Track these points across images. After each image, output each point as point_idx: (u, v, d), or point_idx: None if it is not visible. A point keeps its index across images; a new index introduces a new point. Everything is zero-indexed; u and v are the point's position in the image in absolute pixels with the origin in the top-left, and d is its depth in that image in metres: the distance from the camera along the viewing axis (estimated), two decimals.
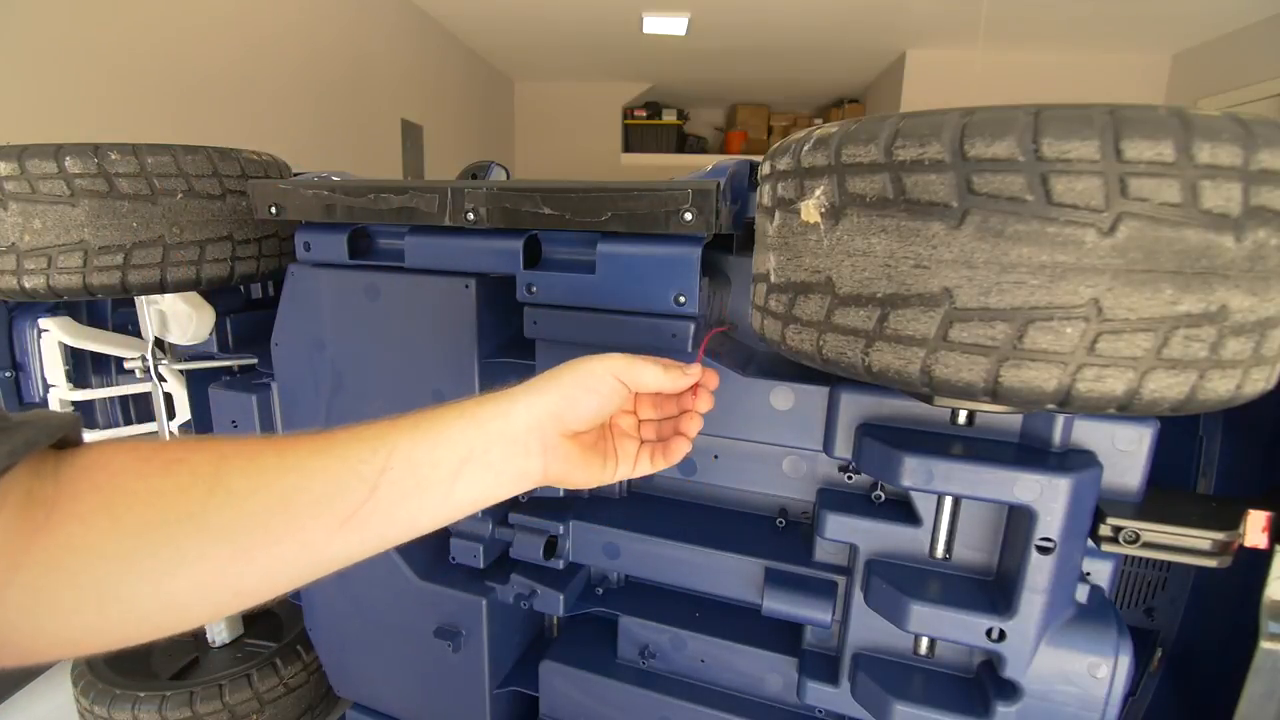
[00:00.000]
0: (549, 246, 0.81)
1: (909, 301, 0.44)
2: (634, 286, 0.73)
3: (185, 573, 0.33)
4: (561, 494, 0.89)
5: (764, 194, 0.57)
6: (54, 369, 1.10)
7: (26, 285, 0.82)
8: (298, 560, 0.36)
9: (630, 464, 0.53)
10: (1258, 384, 0.43)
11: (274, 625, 1.30)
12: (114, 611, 0.32)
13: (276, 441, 0.37)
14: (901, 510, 0.72)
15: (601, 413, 0.48)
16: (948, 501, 0.67)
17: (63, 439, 0.33)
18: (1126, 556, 0.64)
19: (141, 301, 1.05)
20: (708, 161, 0.88)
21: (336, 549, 0.37)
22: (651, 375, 0.50)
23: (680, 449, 0.55)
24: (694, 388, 0.54)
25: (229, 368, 1.15)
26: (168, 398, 1.11)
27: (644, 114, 6.82)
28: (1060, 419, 0.61)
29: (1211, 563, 0.59)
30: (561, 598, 0.87)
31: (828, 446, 0.73)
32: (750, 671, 0.85)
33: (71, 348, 1.11)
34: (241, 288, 1.25)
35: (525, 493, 0.48)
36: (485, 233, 0.79)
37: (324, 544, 0.37)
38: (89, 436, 1.14)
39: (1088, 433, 0.63)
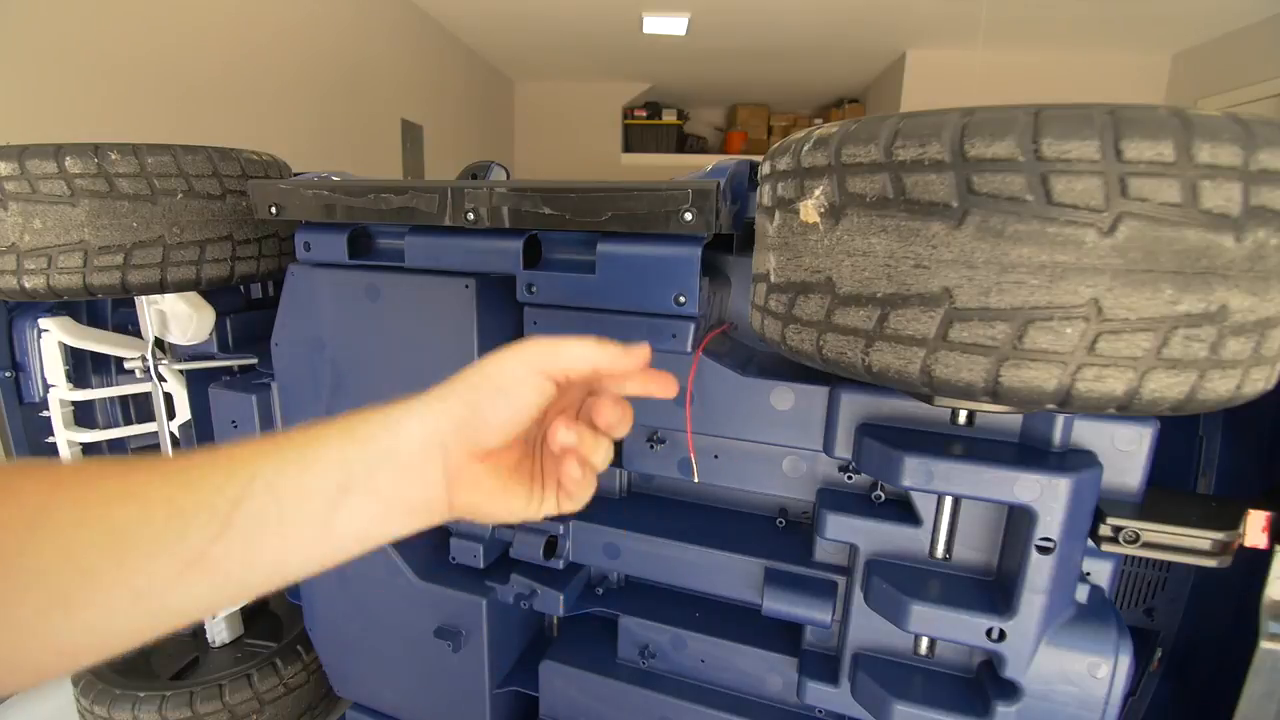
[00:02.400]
0: (549, 246, 0.81)
1: (909, 301, 0.44)
2: (634, 286, 0.73)
3: (3, 618, 0.27)
4: None
5: (764, 194, 0.57)
6: (54, 369, 1.10)
7: (26, 285, 0.82)
8: (131, 611, 0.30)
9: (565, 494, 0.43)
10: (1258, 384, 0.43)
11: (274, 625, 1.30)
12: None
13: (127, 465, 0.32)
14: (901, 510, 0.72)
15: (519, 419, 0.37)
16: (948, 501, 0.67)
17: None
18: (1126, 556, 0.64)
19: (141, 301, 1.05)
20: (708, 161, 0.88)
21: (180, 597, 0.31)
22: (581, 352, 0.39)
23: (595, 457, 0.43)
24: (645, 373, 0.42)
25: (229, 368, 1.15)
26: (168, 398, 1.11)
27: (644, 114, 6.81)
28: (1060, 419, 0.61)
29: (1211, 563, 0.59)
30: (561, 598, 0.87)
31: (828, 446, 0.73)
32: (750, 671, 0.85)
33: (71, 348, 1.11)
34: (241, 288, 1.25)
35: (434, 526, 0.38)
36: (485, 233, 0.79)
37: (163, 591, 0.30)
38: (87, 437, 1.14)
39: (1088, 433, 0.63)
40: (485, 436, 0.37)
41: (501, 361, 0.38)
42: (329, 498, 0.34)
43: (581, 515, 0.87)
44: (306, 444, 0.34)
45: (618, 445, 0.87)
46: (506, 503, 0.39)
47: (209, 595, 0.32)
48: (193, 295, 1.05)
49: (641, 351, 0.41)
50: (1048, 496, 0.58)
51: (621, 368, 0.41)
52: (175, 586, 0.30)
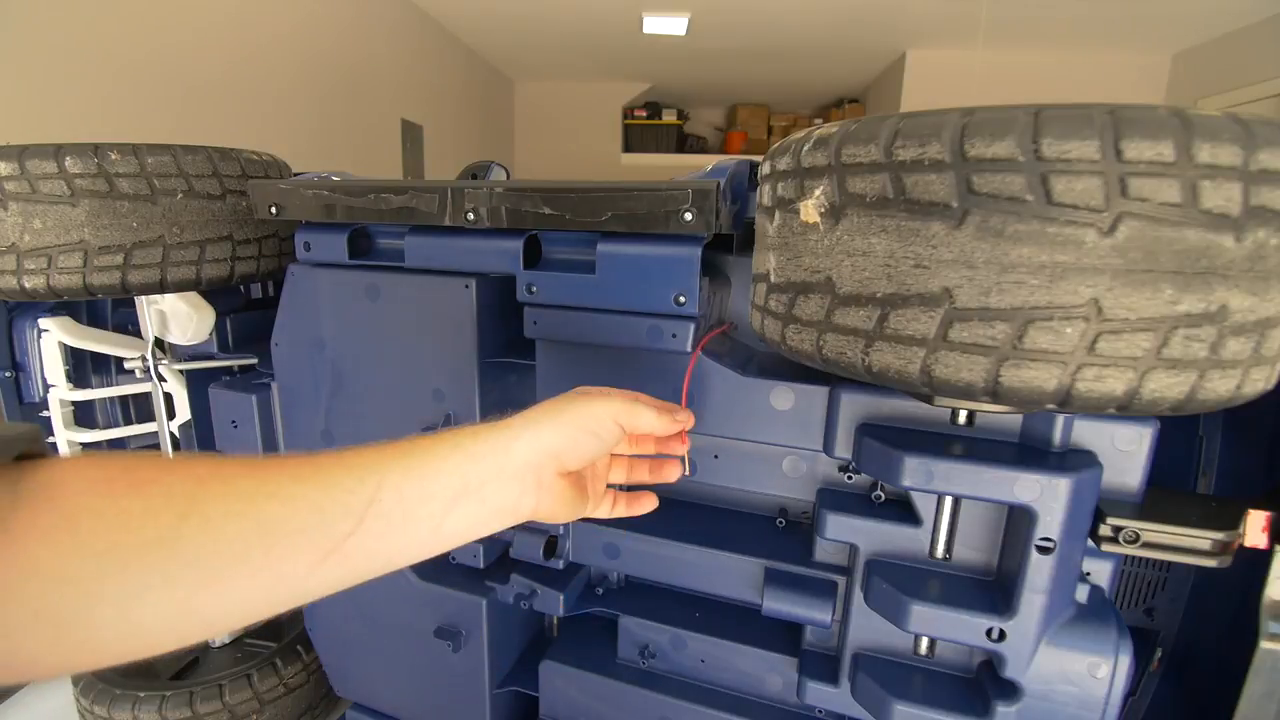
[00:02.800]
0: (549, 246, 0.81)
1: (909, 301, 0.44)
2: (634, 286, 0.73)
3: (151, 599, 0.30)
4: None
5: (764, 194, 0.57)
6: (54, 369, 1.10)
7: (26, 285, 0.82)
8: (274, 591, 0.34)
9: (600, 502, 0.53)
10: (1258, 384, 0.43)
11: (274, 625, 1.30)
12: (71, 637, 0.29)
13: (257, 465, 0.35)
14: (901, 510, 0.72)
15: (599, 455, 0.47)
16: (948, 501, 0.67)
17: (23, 453, 0.31)
18: (1126, 556, 0.64)
19: (141, 301, 1.05)
20: (708, 161, 0.88)
21: (316, 581, 0.35)
22: (648, 420, 0.50)
23: (648, 504, 0.56)
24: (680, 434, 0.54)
25: (229, 368, 1.15)
26: (168, 398, 1.11)
27: (644, 114, 6.82)
28: (1060, 419, 0.61)
29: (1211, 563, 0.59)
30: (561, 598, 0.87)
31: (828, 446, 0.73)
32: (750, 671, 0.85)
33: (71, 348, 1.11)
34: (241, 288, 1.25)
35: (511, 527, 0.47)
36: (485, 233, 0.79)
37: (303, 576, 0.34)
38: (87, 437, 1.14)
39: (1088, 433, 0.63)
40: (572, 463, 0.46)
41: (595, 408, 0.47)
42: (445, 503, 0.39)
43: None
44: (429, 455, 0.40)
45: None
46: (572, 507, 0.48)
47: (338, 580, 0.36)
48: (193, 295, 1.05)
49: (685, 417, 0.54)
50: (1048, 496, 0.58)
51: (670, 433, 0.53)
52: (313, 573, 0.35)
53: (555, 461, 0.45)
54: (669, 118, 6.88)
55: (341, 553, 0.35)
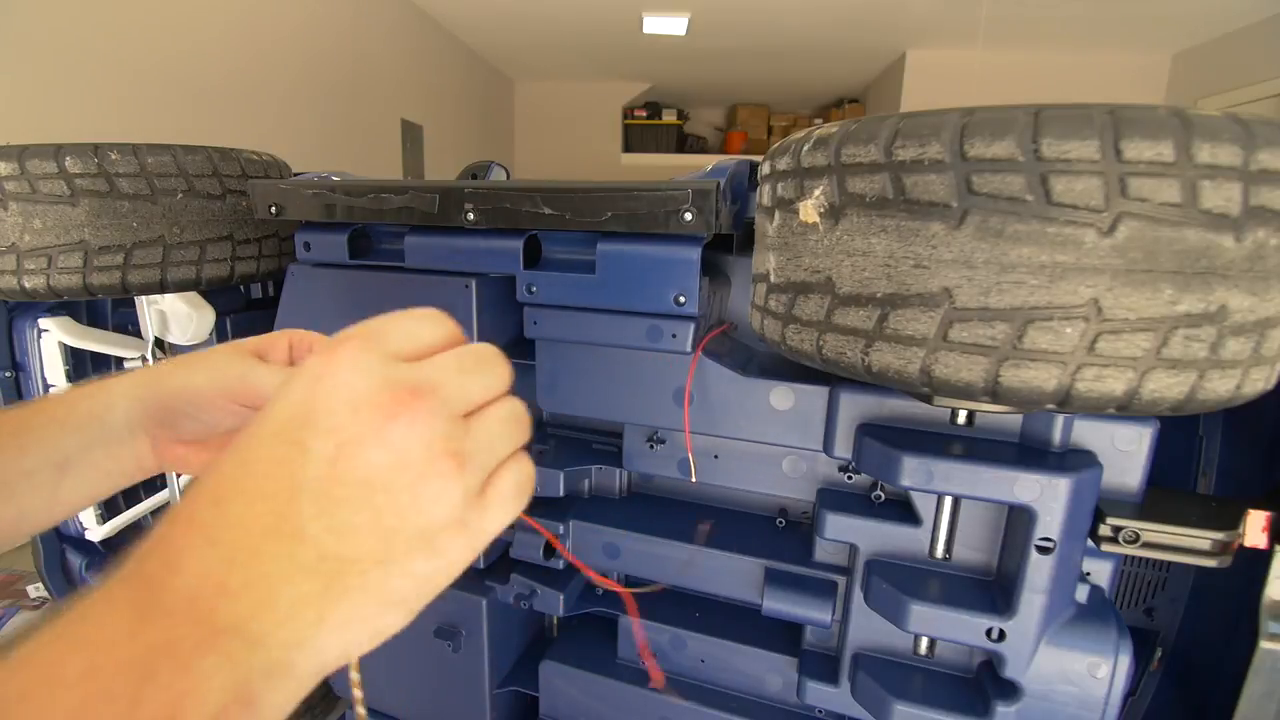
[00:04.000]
0: (549, 246, 0.81)
1: (909, 301, 0.44)
2: (634, 286, 0.73)
3: None
4: (561, 494, 0.89)
5: (764, 194, 0.57)
6: (54, 369, 1.10)
7: (26, 285, 0.82)
8: None
9: None
10: (1257, 384, 0.43)
11: None
12: None
13: None
14: (901, 510, 0.72)
15: (214, 433, 0.41)
16: (948, 501, 0.67)
17: None
18: (1126, 556, 0.64)
19: (141, 301, 1.04)
20: (708, 161, 0.88)
21: None
22: (273, 382, 0.40)
23: None
24: None
25: None
26: None
27: (644, 114, 6.82)
28: (1060, 419, 0.61)
29: (1211, 563, 0.59)
30: (561, 598, 0.87)
31: (828, 446, 0.73)
32: (750, 671, 0.85)
33: (71, 348, 1.11)
34: (241, 288, 1.25)
35: None
36: (485, 233, 0.79)
37: None
38: None
39: (1088, 433, 0.63)
40: (184, 437, 0.41)
41: (193, 381, 0.40)
42: (49, 475, 0.38)
43: (581, 515, 0.87)
44: (22, 429, 0.38)
45: (617, 446, 0.87)
46: (200, 465, 0.42)
47: None
48: (193, 295, 1.05)
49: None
50: (1048, 496, 0.58)
51: None
52: None
53: (162, 433, 0.40)
54: (669, 118, 6.88)
55: None
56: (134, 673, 0.20)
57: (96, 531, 1.16)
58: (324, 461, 0.24)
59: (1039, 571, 0.60)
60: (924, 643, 0.72)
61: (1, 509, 0.37)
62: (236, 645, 0.22)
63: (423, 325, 0.30)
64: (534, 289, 0.78)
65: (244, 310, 1.18)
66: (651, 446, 0.84)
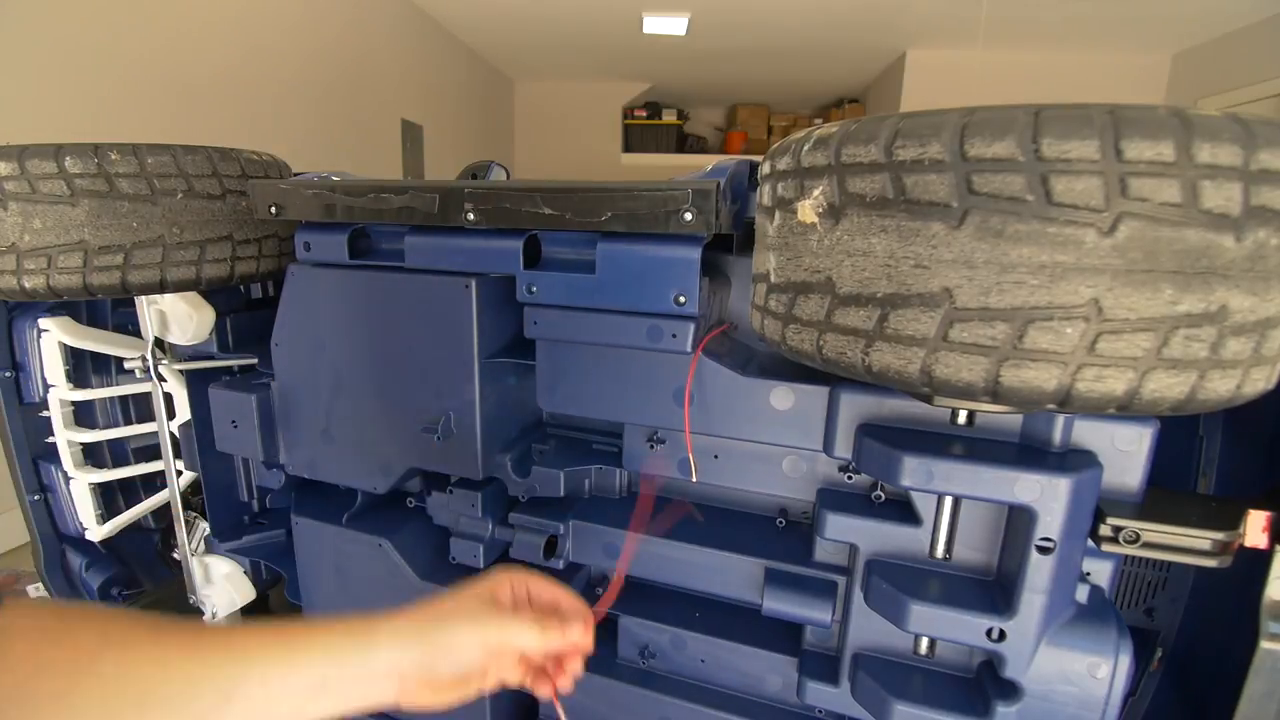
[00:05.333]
0: (549, 246, 0.81)
1: (909, 301, 0.44)
2: (634, 286, 0.73)
3: None
4: (562, 494, 0.89)
5: (764, 194, 0.57)
6: (54, 369, 1.10)
7: (26, 285, 0.82)
8: None
9: (495, 685, 0.53)
10: (1258, 384, 0.43)
11: None
12: None
13: (156, 627, 0.40)
14: (901, 510, 0.72)
15: (468, 679, 0.48)
16: (948, 501, 0.67)
17: None
18: (1126, 556, 0.64)
19: (141, 301, 1.04)
20: (708, 161, 0.88)
21: None
22: (527, 641, 0.49)
23: (541, 690, 0.56)
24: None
25: (229, 368, 1.15)
26: (168, 398, 1.11)
27: (644, 114, 6.81)
28: (1060, 419, 0.61)
29: (1211, 563, 0.59)
30: None
31: (828, 446, 0.73)
32: (750, 671, 0.85)
33: (71, 348, 1.11)
34: (241, 288, 1.25)
35: None
36: (485, 233, 0.79)
37: None
38: (87, 437, 1.14)
39: (1088, 433, 0.63)
40: (436, 677, 0.47)
41: (459, 635, 0.47)
42: (308, 694, 0.43)
43: (581, 515, 0.87)
44: (295, 648, 0.43)
45: (618, 446, 0.87)
46: (450, 696, 0.49)
47: None
48: (193, 295, 1.05)
49: (575, 635, 0.52)
50: (1048, 496, 0.58)
51: (555, 651, 0.53)
52: None
53: (417, 672, 0.46)
54: (669, 118, 6.88)
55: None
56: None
57: (96, 531, 1.16)
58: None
59: (1039, 571, 0.60)
60: (924, 643, 0.72)
61: (263, 711, 0.42)
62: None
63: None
64: (534, 289, 0.78)
65: (244, 310, 1.18)
66: (652, 446, 0.84)
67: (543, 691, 0.55)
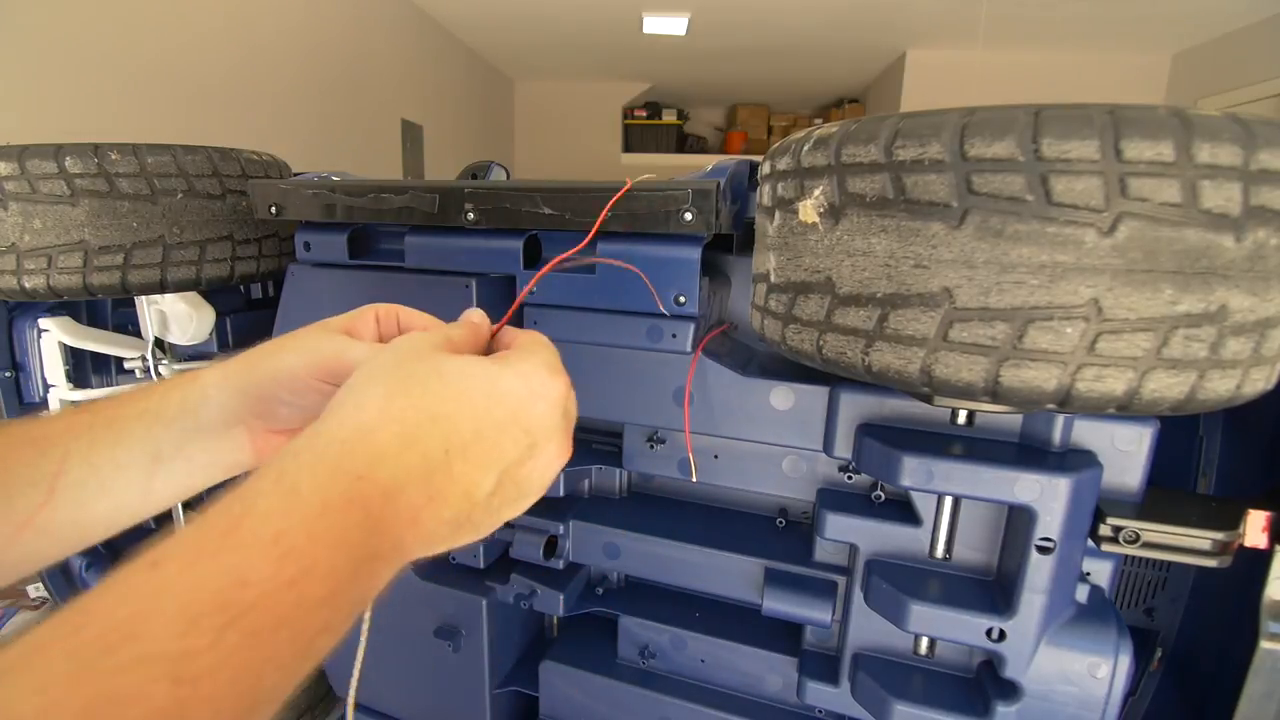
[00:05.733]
0: (549, 246, 0.81)
1: (909, 301, 0.44)
2: (634, 286, 0.73)
3: None
4: (561, 494, 0.89)
5: (764, 194, 0.57)
6: (54, 369, 1.10)
7: (26, 285, 0.82)
8: None
9: None
10: (1258, 384, 0.43)
11: None
12: None
13: None
14: (901, 510, 0.72)
15: (311, 416, 0.38)
16: (948, 501, 0.67)
17: None
18: (1126, 556, 0.64)
19: (141, 301, 1.04)
20: (708, 161, 0.88)
21: (17, 553, 0.35)
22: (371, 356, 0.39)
23: None
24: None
25: None
26: None
27: (644, 114, 6.82)
28: (1060, 419, 0.61)
29: (1211, 563, 0.59)
30: (561, 598, 0.87)
31: (828, 446, 0.73)
32: (750, 671, 0.85)
33: (71, 348, 1.11)
34: (241, 288, 1.25)
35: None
36: (485, 233, 0.79)
37: (4, 547, 0.34)
38: None
39: (1088, 433, 0.63)
40: (279, 424, 0.41)
41: (285, 354, 0.39)
42: (144, 467, 0.37)
43: (582, 515, 0.87)
44: (116, 421, 0.37)
45: (617, 445, 0.87)
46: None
47: (45, 550, 0.36)
48: (193, 295, 1.05)
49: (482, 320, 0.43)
50: (1048, 496, 0.58)
51: None
52: (11, 546, 0.34)
53: (259, 422, 0.40)
54: (669, 118, 6.88)
55: (37, 524, 0.35)
56: (359, 554, 0.27)
57: None
58: (516, 461, 0.34)
59: (1039, 571, 0.60)
60: (924, 643, 0.72)
61: (96, 502, 0.37)
62: (400, 558, 0.30)
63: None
64: (534, 289, 0.78)
65: (244, 310, 1.18)
66: (652, 446, 0.84)
67: None
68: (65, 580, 1.25)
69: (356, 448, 0.29)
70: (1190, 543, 0.59)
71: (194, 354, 1.14)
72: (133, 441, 0.37)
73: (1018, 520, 0.63)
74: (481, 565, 0.90)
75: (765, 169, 0.57)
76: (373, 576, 0.28)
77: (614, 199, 0.66)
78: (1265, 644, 0.61)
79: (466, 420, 0.32)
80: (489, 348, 0.42)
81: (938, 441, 0.64)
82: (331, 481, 0.27)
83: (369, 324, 0.43)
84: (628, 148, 6.91)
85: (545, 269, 0.49)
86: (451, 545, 0.32)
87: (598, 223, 0.66)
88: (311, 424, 0.31)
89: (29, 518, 0.34)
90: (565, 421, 0.37)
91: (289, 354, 0.39)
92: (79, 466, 0.36)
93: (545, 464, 0.36)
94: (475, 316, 0.42)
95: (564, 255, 0.55)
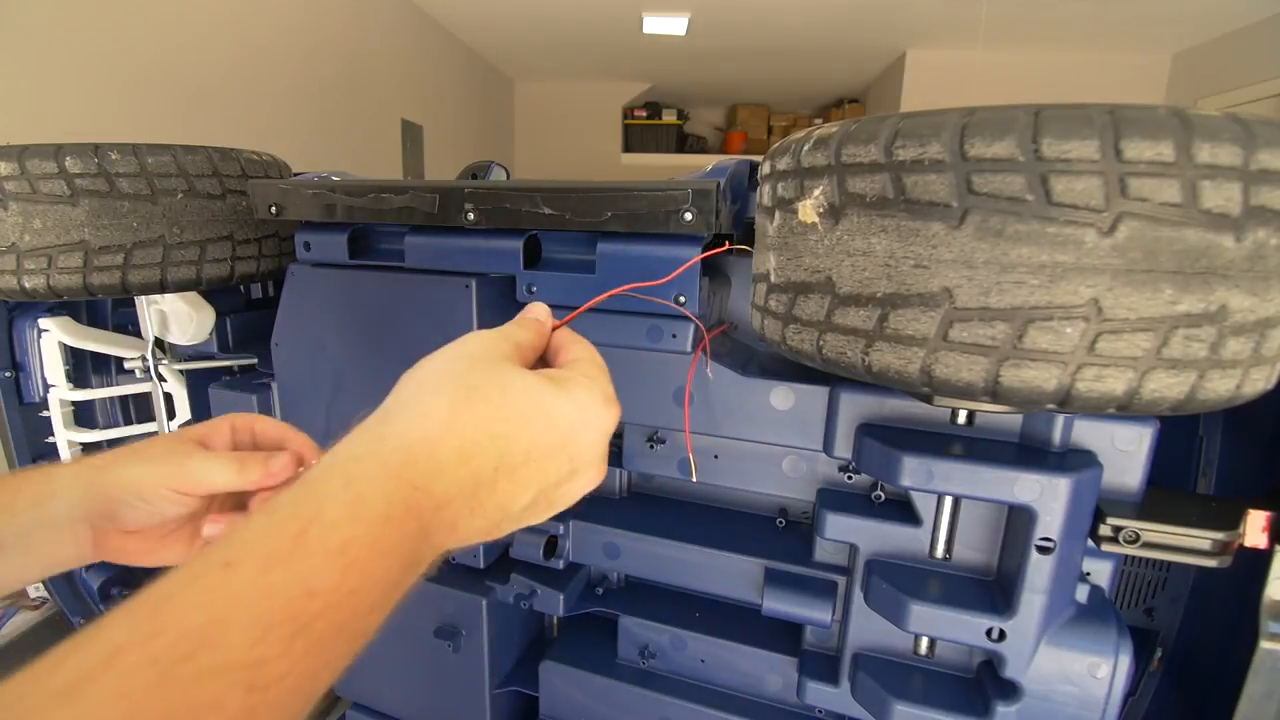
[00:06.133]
0: (549, 246, 0.81)
1: (909, 301, 0.44)
2: None
3: None
4: None
5: (764, 194, 0.57)
6: (54, 369, 1.10)
7: (26, 285, 0.82)
8: None
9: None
10: (1258, 384, 0.43)
11: None
12: None
13: None
14: (901, 510, 0.72)
15: (157, 523, 0.43)
16: (948, 501, 0.67)
17: None
18: (1126, 556, 0.64)
19: (141, 301, 1.05)
20: (708, 161, 0.88)
21: None
22: (218, 475, 0.42)
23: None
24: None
25: (229, 368, 1.15)
26: (168, 398, 1.11)
27: (644, 114, 6.82)
28: (1060, 419, 0.61)
29: (1211, 563, 0.59)
30: (561, 598, 0.87)
31: (828, 446, 0.73)
32: (750, 671, 0.85)
33: (71, 348, 1.11)
34: (241, 288, 1.25)
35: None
36: (485, 233, 0.79)
37: None
38: (87, 437, 1.14)
39: (1088, 433, 0.63)
40: (127, 527, 0.42)
41: (139, 475, 0.41)
42: None
43: (581, 515, 0.87)
44: None
45: (618, 446, 0.87)
46: (159, 558, 0.44)
47: None
48: (193, 295, 1.05)
49: (278, 467, 0.43)
50: (1048, 496, 0.58)
51: (259, 484, 0.43)
52: None
53: (104, 525, 0.41)
54: (669, 118, 6.88)
55: None
56: (408, 562, 0.29)
57: None
58: (556, 483, 0.35)
59: (1039, 571, 0.60)
60: (924, 643, 0.72)
61: None
62: (435, 560, 0.31)
63: None
64: (534, 289, 0.78)
65: (244, 310, 1.18)
66: (651, 446, 0.84)
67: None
68: (66, 581, 1.25)
69: (420, 459, 0.30)
70: (1190, 543, 0.59)
71: (194, 354, 1.15)
72: None
73: (1018, 520, 0.63)
74: (481, 565, 0.90)
75: (765, 169, 0.57)
76: (414, 578, 0.30)
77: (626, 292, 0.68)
78: (1265, 644, 0.61)
79: (521, 442, 0.33)
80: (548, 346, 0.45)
81: (938, 441, 0.64)
82: (395, 491, 0.28)
83: (224, 434, 0.45)
84: (628, 148, 6.91)
85: (622, 290, 0.53)
86: (473, 545, 0.34)
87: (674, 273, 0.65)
88: (373, 419, 0.33)
89: None
90: (607, 447, 0.38)
91: (141, 465, 0.41)
92: None
93: (581, 486, 0.37)
94: (540, 313, 0.44)
95: (642, 284, 0.59)
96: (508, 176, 1.33)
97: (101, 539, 0.42)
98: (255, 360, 1.11)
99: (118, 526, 0.42)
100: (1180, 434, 0.81)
